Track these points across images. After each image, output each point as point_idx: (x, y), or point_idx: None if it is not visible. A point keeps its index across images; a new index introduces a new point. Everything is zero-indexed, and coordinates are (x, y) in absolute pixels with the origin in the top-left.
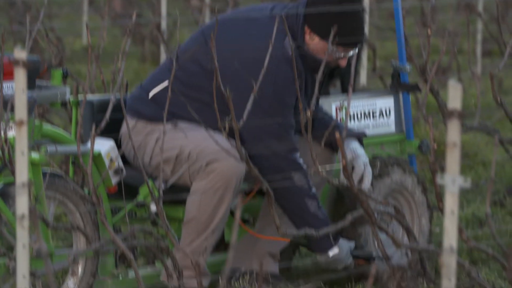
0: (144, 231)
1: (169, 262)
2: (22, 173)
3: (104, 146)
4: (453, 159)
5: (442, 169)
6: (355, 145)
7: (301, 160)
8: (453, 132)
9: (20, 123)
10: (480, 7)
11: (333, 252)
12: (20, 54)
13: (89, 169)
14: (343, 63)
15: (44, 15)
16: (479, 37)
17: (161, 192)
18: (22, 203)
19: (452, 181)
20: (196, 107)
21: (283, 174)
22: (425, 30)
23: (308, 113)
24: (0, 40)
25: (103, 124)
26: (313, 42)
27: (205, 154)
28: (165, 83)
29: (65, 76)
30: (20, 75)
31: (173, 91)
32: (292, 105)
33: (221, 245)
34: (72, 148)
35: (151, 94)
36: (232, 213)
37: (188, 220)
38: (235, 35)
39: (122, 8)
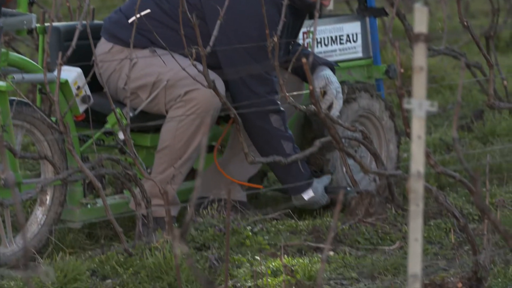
0: (111, 159)
1: (137, 191)
2: None
3: (71, 73)
4: (419, 83)
5: (409, 94)
6: (328, 72)
7: (280, 102)
8: (420, 56)
9: None
10: None
11: (308, 195)
12: None
13: (56, 97)
14: (327, 3)
15: None
16: None
17: (128, 120)
18: None
19: (419, 105)
20: (177, 39)
21: (262, 113)
22: None
23: (275, 39)
24: None
25: (69, 51)
26: None
27: (184, 82)
28: (147, 11)
29: (31, 3)
30: None
31: (155, 20)
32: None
33: (190, 173)
34: (39, 76)
35: (131, 19)
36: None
37: (163, 147)
38: None
39: None
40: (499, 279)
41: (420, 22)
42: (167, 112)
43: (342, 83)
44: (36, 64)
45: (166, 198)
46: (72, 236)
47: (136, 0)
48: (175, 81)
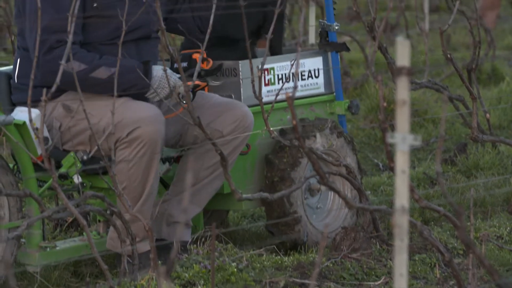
0: (96, 196)
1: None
2: None
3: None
4: (403, 117)
5: (393, 128)
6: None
7: (76, 47)
8: (402, 90)
9: None
10: None
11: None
12: None
13: (41, 134)
14: None
15: None
16: None
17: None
18: None
19: (402, 139)
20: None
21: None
22: None
23: None
24: None
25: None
26: None
27: (123, 124)
28: (17, 60)
29: None
30: None
31: (24, 59)
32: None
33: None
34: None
35: (17, 79)
36: (160, 179)
37: (122, 189)
38: None
39: None
40: None
41: (402, 55)
42: (114, 153)
43: (302, 120)
44: None
45: (151, 235)
46: (58, 273)
47: (16, 59)
48: (111, 125)
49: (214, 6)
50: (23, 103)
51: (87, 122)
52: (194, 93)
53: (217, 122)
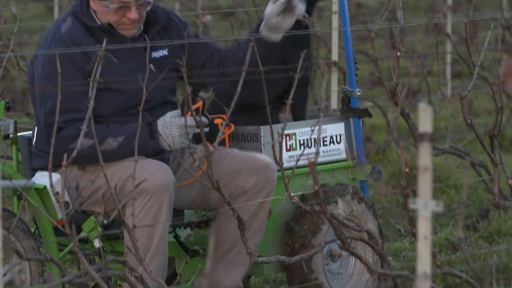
0: (117, 261)
1: None
2: None
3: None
4: (425, 183)
5: (415, 194)
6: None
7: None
8: (425, 156)
9: None
10: (448, 29)
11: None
12: None
13: (62, 198)
14: (132, 15)
15: (14, 43)
16: (448, 58)
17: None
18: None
19: (425, 205)
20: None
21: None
22: (395, 52)
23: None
24: None
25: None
26: (96, 6)
27: (131, 179)
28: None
29: (7, 108)
30: None
31: (40, 127)
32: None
33: (174, 278)
34: (17, 183)
35: (35, 145)
36: (181, 244)
37: (127, 250)
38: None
39: None
40: None
41: (424, 121)
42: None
43: (324, 186)
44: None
45: None
46: None
47: (34, 125)
48: (122, 182)
49: (243, 74)
50: (43, 169)
51: (102, 181)
52: (204, 114)
53: (239, 178)
